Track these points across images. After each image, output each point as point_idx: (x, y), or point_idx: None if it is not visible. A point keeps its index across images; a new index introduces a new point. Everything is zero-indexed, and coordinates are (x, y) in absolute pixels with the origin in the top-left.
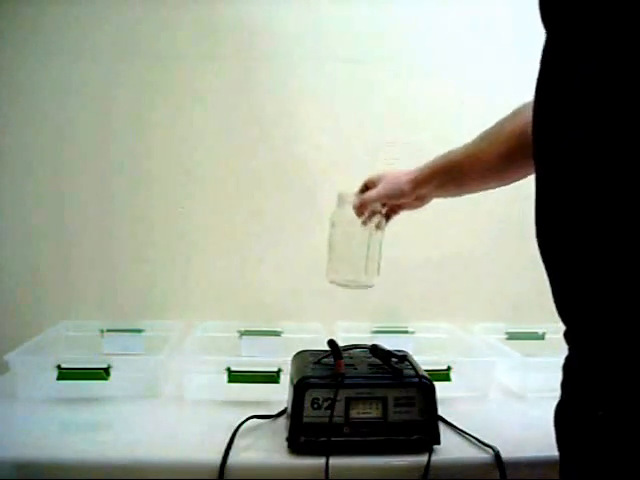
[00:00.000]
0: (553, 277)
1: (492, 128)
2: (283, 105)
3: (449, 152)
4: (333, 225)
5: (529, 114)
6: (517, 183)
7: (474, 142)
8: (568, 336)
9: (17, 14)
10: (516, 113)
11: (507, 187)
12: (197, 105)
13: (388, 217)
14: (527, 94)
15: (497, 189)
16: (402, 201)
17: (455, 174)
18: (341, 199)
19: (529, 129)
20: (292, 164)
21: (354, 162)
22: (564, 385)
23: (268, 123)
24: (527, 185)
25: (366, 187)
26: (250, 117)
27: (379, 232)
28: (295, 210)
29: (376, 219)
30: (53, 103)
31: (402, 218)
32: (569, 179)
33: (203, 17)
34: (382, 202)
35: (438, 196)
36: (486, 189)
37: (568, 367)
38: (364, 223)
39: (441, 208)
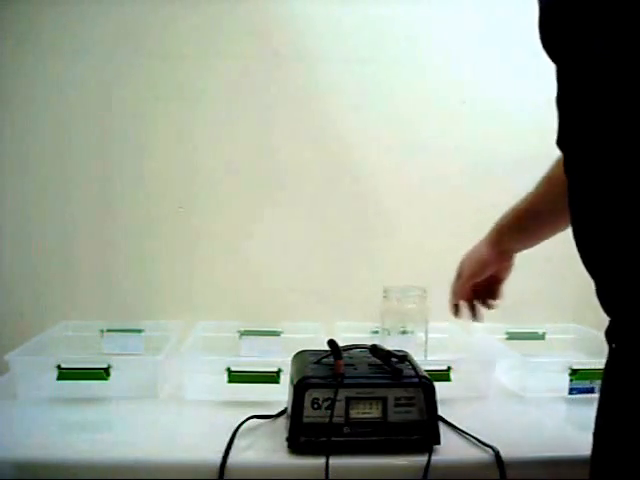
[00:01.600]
0: (598, 275)
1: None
2: (286, 106)
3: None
4: (382, 315)
5: None
6: (521, 186)
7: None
8: (614, 333)
9: (17, 12)
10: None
11: (513, 187)
12: (199, 105)
13: (488, 303)
14: (527, 93)
15: (492, 189)
16: (491, 270)
17: (527, 219)
18: (386, 292)
19: None
20: (295, 165)
21: (355, 164)
22: (608, 386)
23: (271, 123)
24: (529, 186)
25: (459, 276)
26: (253, 118)
27: (423, 318)
28: (296, 211)
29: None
30: (54, 101)
31: (402, 220)
32: (605, 178)
33: (208, 15)
34: (473, 283)
35: (519, 247)
36: (560, 228)
37: (616, 364)
38: (457, 315)
39: (442, 208)
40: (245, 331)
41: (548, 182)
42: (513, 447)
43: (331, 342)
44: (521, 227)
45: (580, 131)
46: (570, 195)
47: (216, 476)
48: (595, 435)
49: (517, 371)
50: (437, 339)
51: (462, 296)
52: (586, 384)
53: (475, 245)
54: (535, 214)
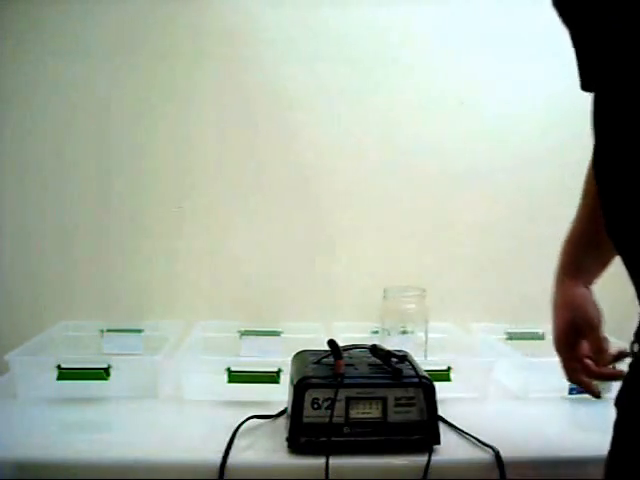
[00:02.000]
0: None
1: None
2: (280, 106)
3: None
4: (382, 315)
5: None
6: (519, 186)
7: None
8: None
9: (17, 12)
10: None
11: (512, 188)
12: (195, 105)
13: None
14: (526, 93)
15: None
16: (596, 305)
17: (588, 239)
18: (386, 292)
19: None
20: (290, 164)
21: (351, 162)
22: (631, 391)
23: (265, 124)
24: (527, 186)
25: (570, 338)
26: (248, 118)
27: (423, 318)
28: (293, 211)
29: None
30: (51, 102)
31: (402, 220)
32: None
33: (200, 16)
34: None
35: (600, 272)
36: None
37: None
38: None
39: (441, 209)
40: (245, 331)
41: (589, 194)
42: (513, 447)
43: (331, 342)
44: (595, 245)
45: (605, 112)
46: (602, 195)
47: (216, 476)
48: (615, 436)
49: (517, 371)
50: (437, 339)
51: (601, 361)
52: None
53: (560, 294)
54: (593, 227)
